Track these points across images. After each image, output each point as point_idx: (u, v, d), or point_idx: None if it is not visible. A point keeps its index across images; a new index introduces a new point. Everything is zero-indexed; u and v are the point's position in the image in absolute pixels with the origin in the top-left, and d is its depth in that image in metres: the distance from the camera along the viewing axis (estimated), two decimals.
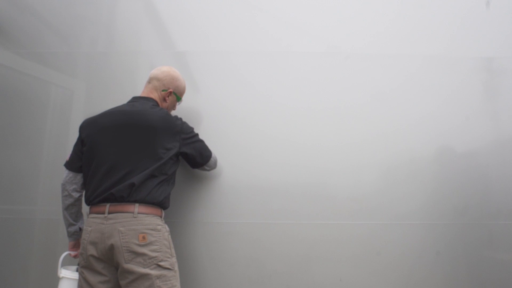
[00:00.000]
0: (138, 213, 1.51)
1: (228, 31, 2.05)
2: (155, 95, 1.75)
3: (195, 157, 1.72)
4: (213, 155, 1.82)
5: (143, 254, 1.47)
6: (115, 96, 1.99)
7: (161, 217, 1.59)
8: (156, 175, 1.57)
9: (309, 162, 1.94)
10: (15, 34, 2.06)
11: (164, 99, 1.77)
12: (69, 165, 1.65)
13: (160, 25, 2.08)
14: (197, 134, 1.75)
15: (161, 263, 1.49)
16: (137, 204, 1.52)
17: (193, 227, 1.89)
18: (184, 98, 1.86)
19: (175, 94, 1.79)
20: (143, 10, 2.08)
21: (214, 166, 1.87)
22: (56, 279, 1.59)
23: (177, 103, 1.86)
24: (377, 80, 2.02)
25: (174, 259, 1.57)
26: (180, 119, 1.71)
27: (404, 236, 1.90)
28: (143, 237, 1.49)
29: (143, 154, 1.57)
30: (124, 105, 1.71)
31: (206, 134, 1.85)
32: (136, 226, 1.50)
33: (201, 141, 1.76)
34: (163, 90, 1.76)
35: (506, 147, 1.98)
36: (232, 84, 2.01)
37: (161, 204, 1.59)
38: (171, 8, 2.07)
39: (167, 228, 1.60)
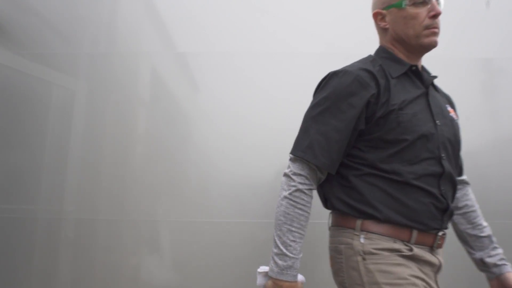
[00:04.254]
0: (331, 225, 1.15)
1: (230, 32, 2.05)
2: (379, 36, 1.27)
3: None
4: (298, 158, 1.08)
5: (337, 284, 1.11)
6: (117, 96, 2.00)
7: (354, 229, 1.06)
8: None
9: None
10: (16, 35, 2.07)
11: (382, 30, 1.23)
12: None
13: (162, 26, 2.08)
14: (315, 105, 1.13)
15: None
16: (330, 211, 1.16)
17: (193, 227, 1.90)
18: (184, 98, 1.84)
19: (387, 8, 1.18)
20: (144, 11, 2.09)
21: (286, 175, 1.08)
22: (55, 279, 1.59)
23: (408, 10, 1.14)
24: None
25: None
26: (341, 71, 1.15)
27: None
28: (331, 263, 1.13)
29: None
30: None
31: (208, 135, 1.86)
32: (329, 244, 1.15)
33: (311, 121, 1.12)
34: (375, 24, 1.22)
35: (504, 147, 1.99)
36: (233, 84, 2.02)
37: (347, 209, 1.07)
38: (173, 9, 2.08)
39: (361, 248, 1.03)
